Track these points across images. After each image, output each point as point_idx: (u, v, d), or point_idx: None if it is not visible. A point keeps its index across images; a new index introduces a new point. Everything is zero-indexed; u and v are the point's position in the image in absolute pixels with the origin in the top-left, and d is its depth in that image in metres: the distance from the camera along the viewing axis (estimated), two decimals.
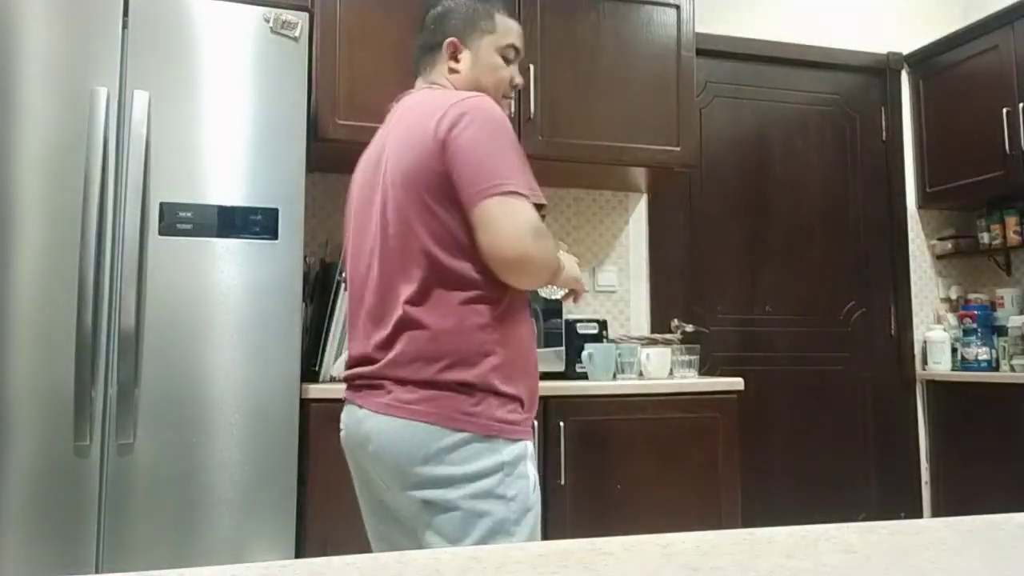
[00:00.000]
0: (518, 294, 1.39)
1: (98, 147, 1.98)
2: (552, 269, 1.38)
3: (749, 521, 2.51)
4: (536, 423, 1.53)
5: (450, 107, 1.32)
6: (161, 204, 2.06)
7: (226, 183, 2.12)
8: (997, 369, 3.34)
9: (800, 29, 3.55)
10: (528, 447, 1.34)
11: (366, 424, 1.35)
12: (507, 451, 1.30)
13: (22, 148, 1.98)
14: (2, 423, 1.90)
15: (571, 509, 2.33)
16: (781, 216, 3.48)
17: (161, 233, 2.05)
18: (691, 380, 2.61)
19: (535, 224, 1.29)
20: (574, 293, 1.57)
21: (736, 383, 2.56)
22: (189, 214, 2.07)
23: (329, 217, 2.79)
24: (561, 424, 2.33)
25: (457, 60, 1.49)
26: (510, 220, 1.27)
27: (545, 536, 1.61)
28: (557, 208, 3.14)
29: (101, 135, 1.99)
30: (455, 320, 1.31)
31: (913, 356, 3.58)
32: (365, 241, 1.43)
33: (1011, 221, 3.37)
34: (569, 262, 1.50)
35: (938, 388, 3.48)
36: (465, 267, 1.31)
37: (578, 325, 2.74)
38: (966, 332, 3.43)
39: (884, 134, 3.69)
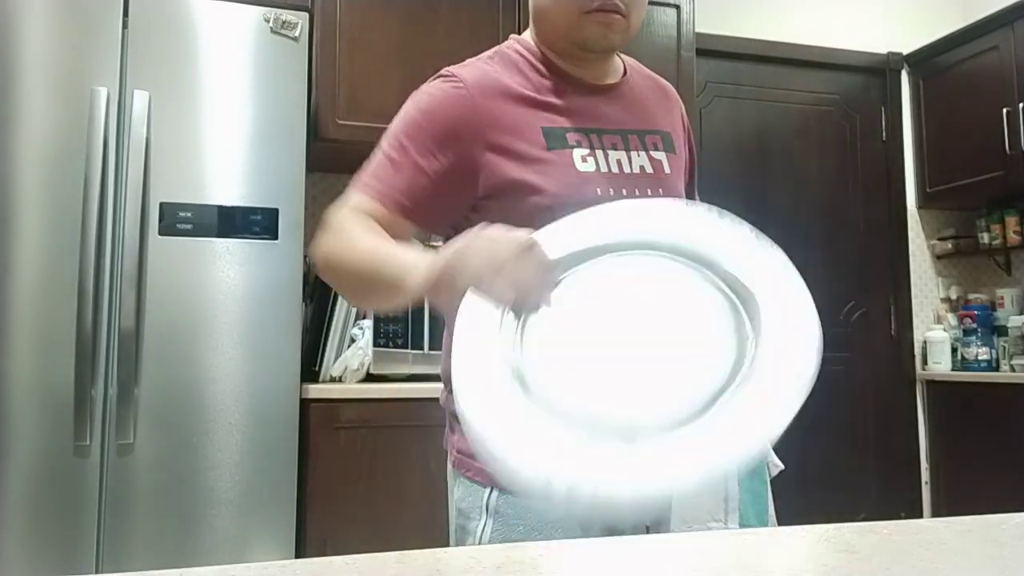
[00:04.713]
0: None
1: (98, 147, 1.98)
2: (347, 273, 0.99)
3: None
4: None
5: None
6: (161, 204, 2.05)
7: (226, 183, 2.11)
8: (997, 369, 3.34)
9: (800, 29, 3.55)
10: (489, 497, 0.99)
11: None
12: (459, 494, 1.05)
13: (22, 148, 1.98)
14: (2, 423, 1.90)
15: None
16: (781, 216, 3.48)
17: (161, 233, 2.05)
18: None
19: (324, 219, 1.01)
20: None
21: None
22: (189, 214, 2.07)
23: None
24: None
25: None
26: None
27: None
28: None
29: (101, 135, 1.99)
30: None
31: (913, 356, 3.58)
32: None
33: (1011, 221, 3.37)
34: (468, 253, 0.81)
35: (938, 388, 3.48)
36: None
37: None
38: (966, 332, 3.43)
39: (884, 134, 3.68)
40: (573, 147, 1.01)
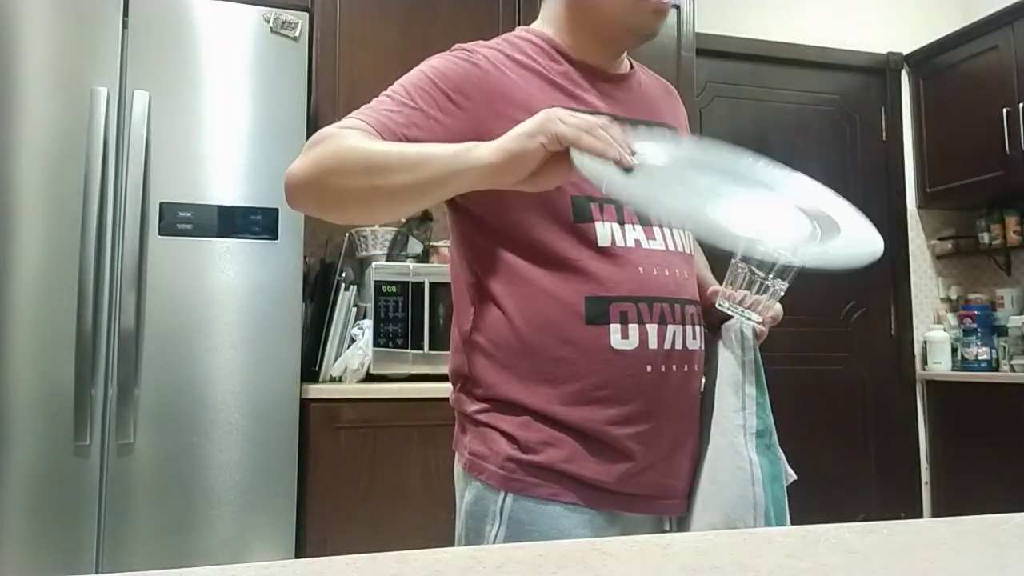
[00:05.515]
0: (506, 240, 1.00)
1: (98, 147, 1.98)
2: (359, 168, 0.90)
3: None
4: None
5: None
6: (161, 204, 2.05)
7: (226, 183, 2.11)
8: (997, 369, 3.34)
9: (800, 29, 3.55)
10: (503, 502, 0.95)
11: None
12: (471, 497, 1.00)
13: (22, 148, 1.98)
14: (2, 423, 1.90)
15: None
16: None
17: (161, 233, 2.05)
18: None
19: (311, 138, 0.96)
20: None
21: None
22: (189, 214, 2.07)
23: None
24: None
25: None
26: None
27: None
28: None
29: (101, 135, 1.99)
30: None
31: (913, 356, 3.58)
32: None
33: (1011, 221, 3.37)
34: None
35: (938, 388, 3.48)
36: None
37: None
38: (966, 332, 3.43)
39: (884, 134, 3.68)
40: None
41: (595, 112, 1.02)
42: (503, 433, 0.97)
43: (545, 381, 0.96)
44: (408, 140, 0.94)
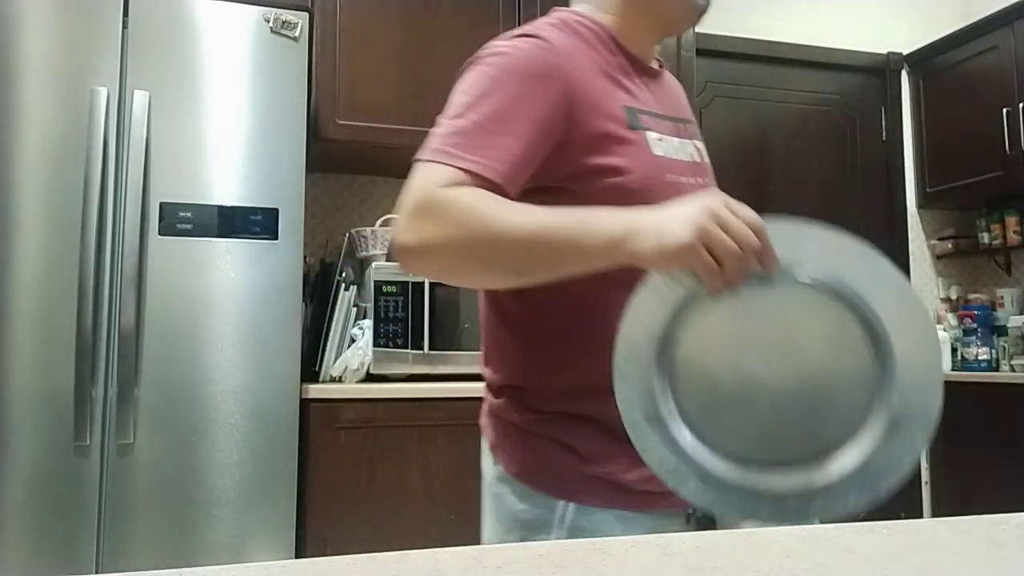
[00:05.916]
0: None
1: (98, 147, 1.98)
2: (467, 244, 0.83)
3: None
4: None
5: None
6: (161, 204, 2.06)
7: (226, 183, 2.11)
8: (997, 369, 3.33)
9: (800, 29, 3.55)
10: (564, 511, 0.94)
11: None
12: (523, 506, 0.98)
13: (22, 148, 1.98)
14: (2, 423, 1.90)
15: None
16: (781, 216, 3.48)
17: (161, 233, 2.05)
18: None
19: (418, 198, 0.85)
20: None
21: None
22: (189, 214, 2.07)
23: (329, 217, 2.79)
24: None
25: None
26: (400, 203, 0.88)
27: None
28: None
29: (101, 135, 1.99)
30: None
31: None
32: None
33: (1011, 221, 3.37)
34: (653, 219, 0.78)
35: None
36: None
37: None
38: (966, 332, 3.42)
39: (884, 134, 3.68)
40: (646, 129, 0.97)
41: (650, 112, 0.99)
42: (563, 444, 0.96)
43: (607, 396, 0.92)
44: (511, 178, 0.87)
